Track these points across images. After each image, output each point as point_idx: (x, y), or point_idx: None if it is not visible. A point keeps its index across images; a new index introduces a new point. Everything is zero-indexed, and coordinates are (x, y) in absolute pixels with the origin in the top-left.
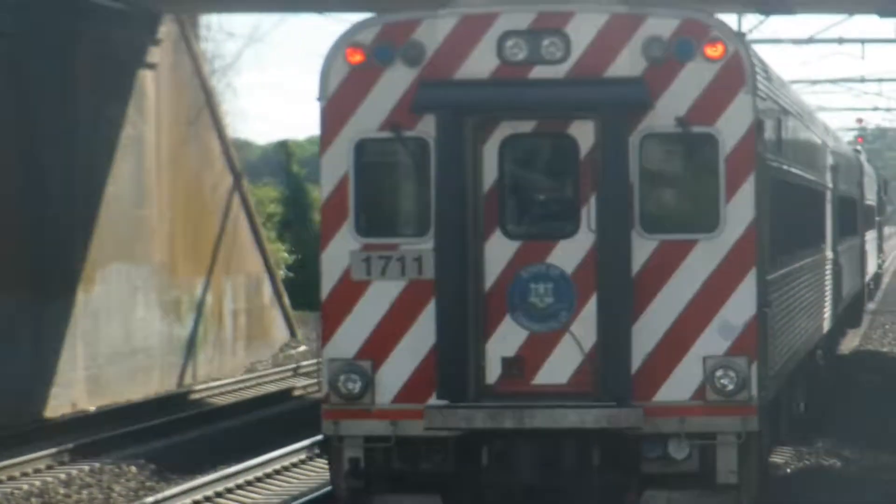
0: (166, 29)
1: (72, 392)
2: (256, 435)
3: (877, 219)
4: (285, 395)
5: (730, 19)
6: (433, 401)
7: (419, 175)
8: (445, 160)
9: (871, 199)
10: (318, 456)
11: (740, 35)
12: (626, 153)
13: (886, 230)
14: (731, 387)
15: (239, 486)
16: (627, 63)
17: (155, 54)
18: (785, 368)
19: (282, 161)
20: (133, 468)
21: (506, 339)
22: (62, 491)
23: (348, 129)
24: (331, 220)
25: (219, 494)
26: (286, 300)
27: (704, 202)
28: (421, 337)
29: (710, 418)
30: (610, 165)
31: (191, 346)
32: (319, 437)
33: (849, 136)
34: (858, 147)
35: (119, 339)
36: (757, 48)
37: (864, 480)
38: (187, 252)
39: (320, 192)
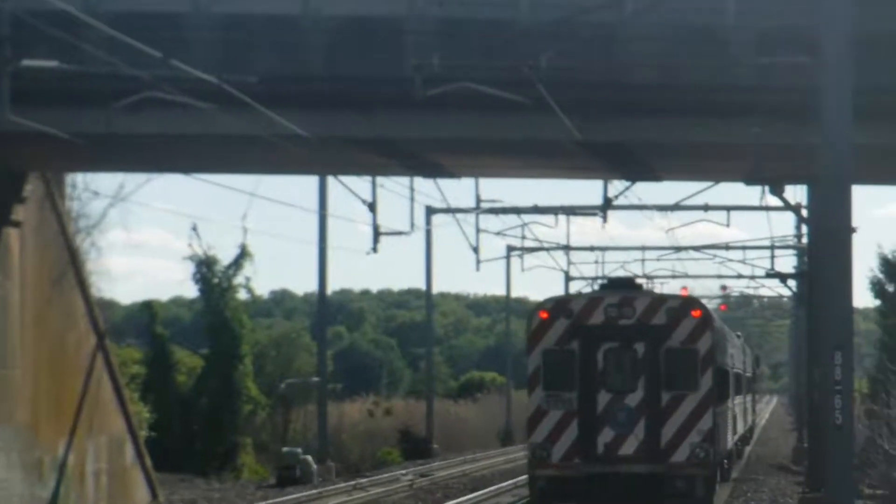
0: (31, 187)
1: None
2: None
3: (752, 386)
4: None
5: (596, 186)
6: (577, 460)
7: (570, 365)
8: (583, 359)
9: (749, 372)
10: None
11: (707, 308)
12: (658, 357)
13: (757, 396)
14: (702, 455)
15: None
16: (659, 318)
17: (20, 212)
18: (722, 451)
19: (146, 321)
20: None
21: (606, 435)
22: None
23: (540, 344)
24: (533, 382)
25: None
26: (148, 461)
27: (691, 377)
28: (571, 434)
29: (693, 469)
30: (651, 362)
31: None
32: None
33: (713, 304)
34: (739, 334)
35: None
36: (621, 214)
37: None
38: (50, 412)
39: (527, 370)
